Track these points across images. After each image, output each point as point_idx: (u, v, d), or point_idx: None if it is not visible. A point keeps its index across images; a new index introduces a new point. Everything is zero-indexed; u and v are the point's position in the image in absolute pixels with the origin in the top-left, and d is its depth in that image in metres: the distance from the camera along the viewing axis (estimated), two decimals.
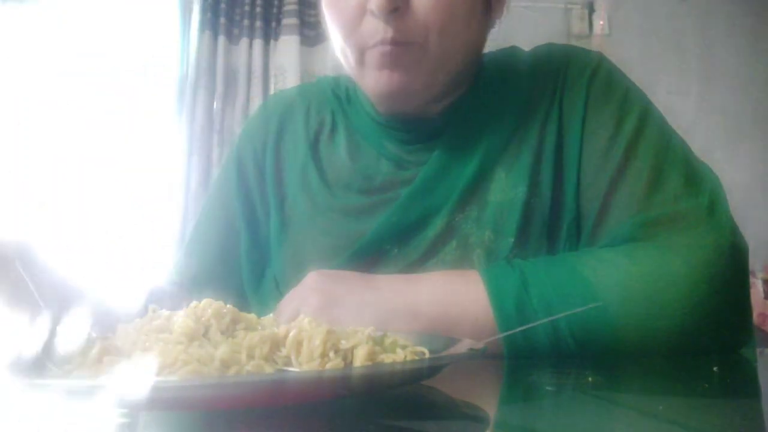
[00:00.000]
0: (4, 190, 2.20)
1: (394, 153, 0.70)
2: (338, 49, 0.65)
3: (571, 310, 0.51)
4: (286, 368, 0.37)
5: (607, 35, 2.62)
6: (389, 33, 0.59)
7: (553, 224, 0.64)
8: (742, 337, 0.58)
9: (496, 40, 0.72)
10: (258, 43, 2.43)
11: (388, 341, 0.40)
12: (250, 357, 0.36)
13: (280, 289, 0.70)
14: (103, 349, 0.37)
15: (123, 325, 0.41)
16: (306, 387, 0.32)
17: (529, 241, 0.63)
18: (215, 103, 2.39)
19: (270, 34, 2.48)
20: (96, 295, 0.57)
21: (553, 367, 0.50)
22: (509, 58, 0.72)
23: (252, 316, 0.44)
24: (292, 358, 0.37)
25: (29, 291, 0.45)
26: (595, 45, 2.59)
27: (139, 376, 0.34)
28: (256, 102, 2.39)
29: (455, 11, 0.60)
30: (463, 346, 0.41)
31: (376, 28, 0.59)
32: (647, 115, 0.64)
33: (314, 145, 0.74)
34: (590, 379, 0.46)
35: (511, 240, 0.63)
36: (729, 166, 1.06)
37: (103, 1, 2.38)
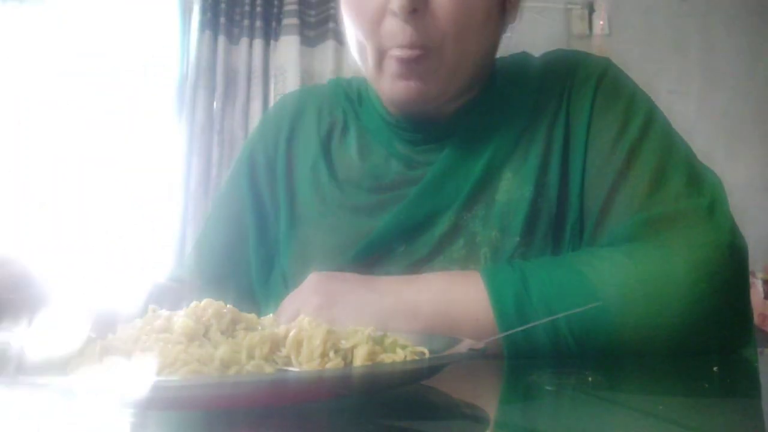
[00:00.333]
0: (4, 189, 2.20)
1: (404, 153, 0.71)
2: (356, 50, 0.66)
3: (570, 308, 0.51)
4: (286, 368, 0.37)
5: (607, 35, 2.62)
6: (408, 34, 0.60)
7: (559, 225, 0.65)
8: (743, 337, 0.58)
9: None
10: (258, 43, 2.43)
11: (388, 341, 0.40)
12: (250, 357, 0.36)
13: (287, 286, 0.70)
14: (103, 349, 0.37)
15: (123, 325, 0.41)
16: (306, 387, 0.32)
17: (534, 240, 0.64)
18: (215, 103, 2.39)
19: (270, 34, 2.48)
20: (95, 296, 0.57)
21: (553, 367, 0.50)
22: (519, 62, 0.73)
23: (252, 316, 0.44)
24: (292, 358, 0.37)
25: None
26: (595, 45, 2.59)
27: (139, 375, 0.34)
28: (256, 102, 2.39)
29: (473, 15, 0.61)
30: (463, 346, 0.41)
31: (396, 30, 0.60)
32: (652, 118, 0.64)
33: (326, 144, 0.75)
34: (590, 379, 0.46)
35: (517, 239, 0.63)
36: (729, 166, 1.06)
37: (103, 1, 2.38)
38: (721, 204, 0.58)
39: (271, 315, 0.49)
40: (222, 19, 2.42)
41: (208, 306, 0.41)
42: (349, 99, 0.77)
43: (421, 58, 0.61)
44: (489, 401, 0.41)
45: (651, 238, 0.57)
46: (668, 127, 0.65)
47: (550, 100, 0.68)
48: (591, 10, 2.65)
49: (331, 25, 2.49)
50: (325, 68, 2.46)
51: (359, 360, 0.36)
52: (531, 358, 0.53)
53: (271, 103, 2.40)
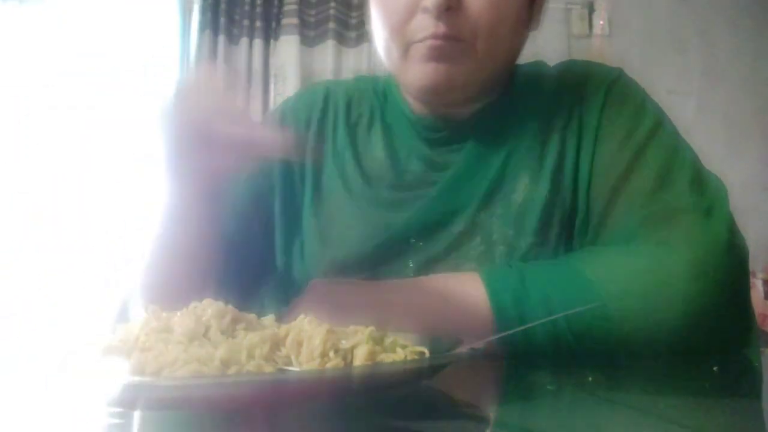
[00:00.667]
0: (3, 189, 2.20)
1: (425, 153, 0.72)
2: (381, 44, 0.67)
3: (569, 307, 0.52)
4: (286, 368, 0.37)
5: (607, 35, 2.62)
6: (440, 28, 0.61)
7: (571, 225, 0.66)
8: (744, 336, 0.58)
9: None
10: (258, 43, 2.43)
11: (388, 341, 0.40)
12: (250, 357, 0.36)
13: (304, 259, 0.72)
14: (104, 349, 0.37)
15: (122, 325, 0.41)
16: (306, 387, 0.32)
17: (548, 240, 0.65)
18: None
19: (270, 34, 2.48)
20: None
21: (553, 367, 0.50)
22: (535, 70, 0.75)
23: (252, 316, 0.44)
24: (292, 358, 0.37)
25: None
26: (595, 45, 2.59)
27: (138, 375, 0.34)
28: (256, 102, 2.39)
29: (504, 15, 0.63)
30: (463, 346, 0.41)
31: (427, 24, 0.61)
32: (660, 124, 0.66)
33: (353, 135, 0.76)
34: (590, 379, 0.46)
35: (533, 239, 0.65)
36: (729, 166, 1.06)
37: (103, 1, 2.38)
38: (722, 205, 0.59)
39: (271, 315, 0.49)
40: (222, 19, 2.42)
41: (208, 306, 0.41)
42: (376, 95, 0.78)
43: (452, 46, 0.62)
44: (489, 401, 0.41)
45: (650, 236, 0.57)
46: (676, 134, 0.67)
47: (564, 106, 0.69)
48: (591, 10, 2.65)
49: (331, 25, 2.49)
50: (325, 68, 2.46)
51: (359, 360, 0.36)
52: (531, 358, 0.53)
53: (271, 103, 2.40)
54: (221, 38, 2.41)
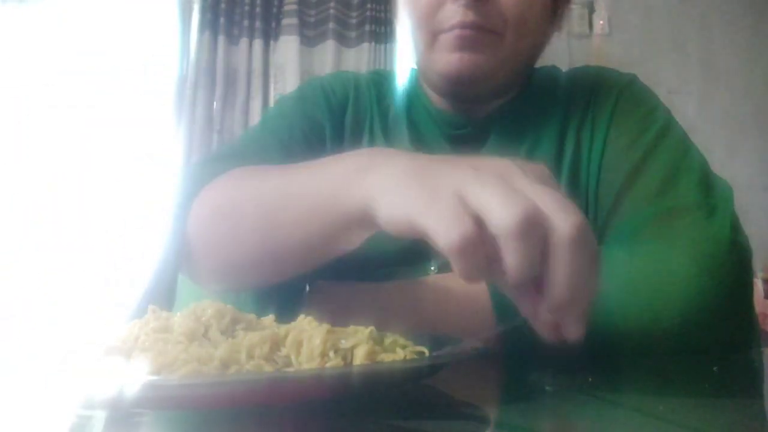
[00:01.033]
0: (3, 189, 2.20)
1: (446, 151, 0.73)
2: (407, 34, 0.68)
3: None
4: (286, 368, 0.37)
5: (607, 35, 2.62)
6: (469, 17, 0.61)
7: None
8: (746, 337, 0.58)
9: None
10: (258, 43, 2.43)
11: (388, 341, 0.40)
12: (250, 357, 0.36)
13: None
14: (103, 348, 0.37)
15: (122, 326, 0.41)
16: (306, 386, 0.32)
17: None
18: (215, 103, 2.39)
19: (270, 34, 2.48)
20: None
21: (553, 367, 0.50)
22: (551, 74, 0.76)
23: (252, 316, 0.44)
24: (292, 358, 0.37)
25: None
26: (595, 45, 2.59)
27: (138, 375, 0.34)
28: (256, 102, 2.39)
29: (532, 10, 0.64)
30: (463, 346, 0.41)
31: (456, 13, 0.62)
32: (669, 128, 0.67)
33: (384, 123, 0.77)
34: (590, 379, 0.46)
35: None
36: (729, 166, 1.06)
37: (103, 1, 2.38)
38: (726, 205, 0.59)
39: (271, 315, 0.49)
40: (222, 19, 2.42)
41: (208, 306, 0.41)
42: (402, 89, 0.79)
43: (480, 36, 0.62)
44: (489, 401, 0.41)
45: (654, 234, 0.57)
46: (685, 137, 0.67)
47: (578, 108, 0.70)
48: (591, 10, 2.65)
49: (330, 25, 2.49)
50: (324, 68, 2.46)
51: (359, 360, 0.36)
52: (531, 358, 0.53)
53: (271, 102, 2.40)
54: (221, 38, 2.41)
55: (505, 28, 0.63)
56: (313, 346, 0.36)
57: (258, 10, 2.44)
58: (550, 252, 0.35)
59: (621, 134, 0.67)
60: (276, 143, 0.71)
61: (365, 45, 2.48)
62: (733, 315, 0.56)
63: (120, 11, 2.38)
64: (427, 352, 0.40)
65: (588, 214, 0.67)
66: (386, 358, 0.37)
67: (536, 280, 0.37)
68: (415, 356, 0.39)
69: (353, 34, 2.52)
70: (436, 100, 0.73)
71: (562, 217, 0.35)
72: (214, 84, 2.40)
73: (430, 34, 0.64)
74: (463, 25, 0.62)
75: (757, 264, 2.23)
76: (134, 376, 0.34)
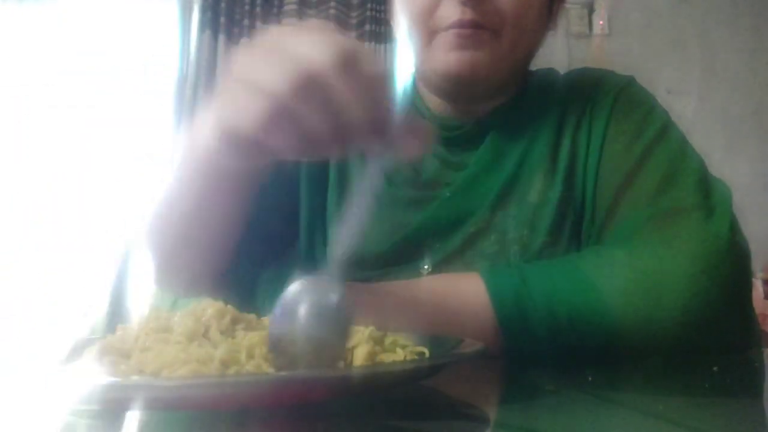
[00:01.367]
0: (3, 190, 2.20)
1: (441, 152, 0.73)
2: (404, 33, 0.68)
3: (570, 304, 0.52)
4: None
5: (607, 35, 2.62)
6: (467, 15, 0.62)
7: (581, 225, 0.68)
8: (745, 336, 0.58)
9: None
10: None
11: (387, 341, 0.40)
12: (250, 357, 0.36)
13: (326, 240, 0.73)
14: (103, 348, 0.37)
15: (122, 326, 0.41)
16: (306, 387, 0.32)
17: (561, 239, 0.67)
18: None
19: None
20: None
21: (553, 367, 0.50)
22: (548, 76, 0.76)
23: (252, 316, 0.44)
24: None
25: None
26: (595, 45, 2.59)
27: (138, 375, 0.34)
28: None
29: (530, 7, 0.65)
30: (463, 346, 0.41)
31: (453, 11, 0.62)
32: (667, 129, 0.67)
33: None
34: (590, 379, 0.46)
35: (545, 239, 0.66)
36: (729, 166, 1.06)
37: (103, 1, 2.38)
38: (725, 205, 0.59)
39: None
40: (222, 19, 2.42)
41: (208, 306, 0.41)
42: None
43: (478, 34, 0.63)
44: (489, 401, 0.41)
45: (652, 235, 0.57)
46: (683, 139, 0.67)
47: (575, 109, 0.71)
48: (591, 9, 2.65)
49: (330, 25, 2.48)
50: None
51: (359, 360, 0.36)
52: (531, 358, 0.53)
53: None
54: (221, 38, 2.41)
55: (502, 26, 0.63)
56: None
57: (258, 9, 2.44)
58: (333, 87, 0.38)
59: (619, 135, 0.67)
60: None
61: (365, 45, 2.48)
62: (732, 316, 0.56)
63: (120, 11, 2.38)
64: (427, 353, 0.40)
65: (585, 214, 0.67)
66: (386, 358, 0.37)
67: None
68: (415, 356, 0.39)
69: (353, 34, 2.52)
70: (432, 102, 0.73)
71: (322, 52, 0.38)
72: (214, 83, 2.40)
73: (428, 33, 0.64)
74: (461, 24, 0.62)
75: (757, 264, 2.23)
76: (134, 376, 0.34)
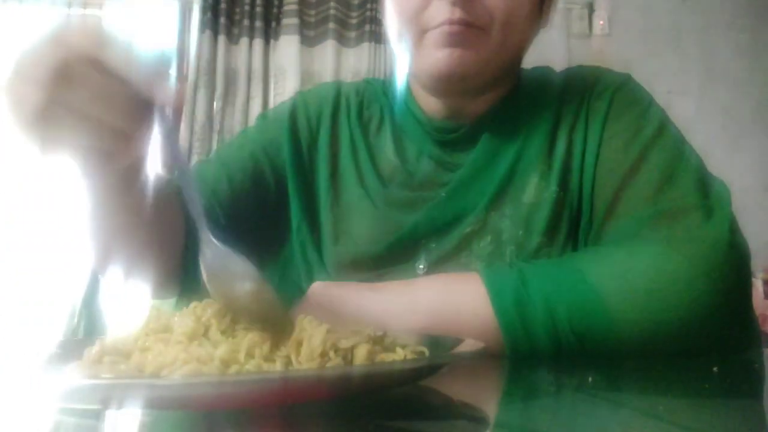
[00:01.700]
0: (3, 191, 2.20)
1: (436, 153, 0.73)
2: (394, 32, 0.68)
3: (570, 305, 0.52)
4: (286, 368, 0.37)
5: (607, 35, 2.62)
6: (456, 14, 0.62)
7: (578, 225, 0.68)
8: (746, 338, 0.58)
9: None
10: (258, 43, 2.43)
11: (387, 341, 0.40)
12: (250, 357, 0.36)
13: (321, 252, 0.73)
14: (103, 348, 0.37)
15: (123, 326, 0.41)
16: (306, 387, 0.32)
17: (557, 239, 0.67)
18: (215, 103, 2.39)
19: (270, 34, 2.48)
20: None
21: (553, 367, 0.50)
22: (543, 74, 0.76)
23: None
24: (292, 357, 0.37)
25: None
26: (595, 45, 2.59)
27: (138, 375, 0.34)
28: (256, 101, 2.39)
29: (519, 5, 0.64)
30: (463, 346, 0.41)
31: (443, 10, 0.62)
32: (664, 128, 0.66)
33: (365, 133, 0.77)
34: (590, 379, 0.46)
35: (541, 239, 0.66)
36: (729, 166, 1.06)
37: (103, 2, 2.38)
38: (724, 206, 0.59)
39: None
40: (222, 19, 2.42)
41: (208, 306, 0.41)
42: (385, 96, 0.79)
43: (467, 32, 0.63)
44: (489, 401, 0.41)
45: (652, 236, 0.57)
46: (680, 137, 0.67)
47: (571, 108, 0.70)
48: (591, 10, 2.65)
49: (331, 25, 2.49)
50: (324, 68, 2.46)
51: (359, 360, 0.36)
52: (531, 358, 0.53)
53: (271, 103, 2.40)
54: (221, 38, 2.41)
55: (492, 24, 0.63)
56: (313, 346, 0.36)
57: (258, 9, 2.44)
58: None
59: (616, 134, 0.67)
60: (224, 177, 0.73)
61: (365, 45, 2.48)
62: (732, 316, 0.56)
63: (120, 11, 2.38)
64: (426, 352, 0.40)
65: (581, 214, 0.67)
66: (386, 358, 0.37)
67: None
68: (415, 356, 0.39)
69: (353, 34, 2.52)
70: (426, 103, 0.73)
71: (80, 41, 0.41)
72: (214, 84, 2.40)
73: (418, 32, 0.64)
74: (450, 22, 0.62)
75: (757, 264, 2.23)
76: (134, 376, 0.34)
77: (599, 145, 0.67)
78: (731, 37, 2.65)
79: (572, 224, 0.67)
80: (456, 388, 0.42)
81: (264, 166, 0.75)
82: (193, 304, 0.42)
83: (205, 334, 0.39)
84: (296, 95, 0.83)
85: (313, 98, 0.80)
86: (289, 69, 2.43)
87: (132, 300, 0.63)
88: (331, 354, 0.36)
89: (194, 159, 2.29)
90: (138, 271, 0.60)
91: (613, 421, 0.34)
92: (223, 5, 2.43)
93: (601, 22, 2.62)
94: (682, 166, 0.62)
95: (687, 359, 0.53)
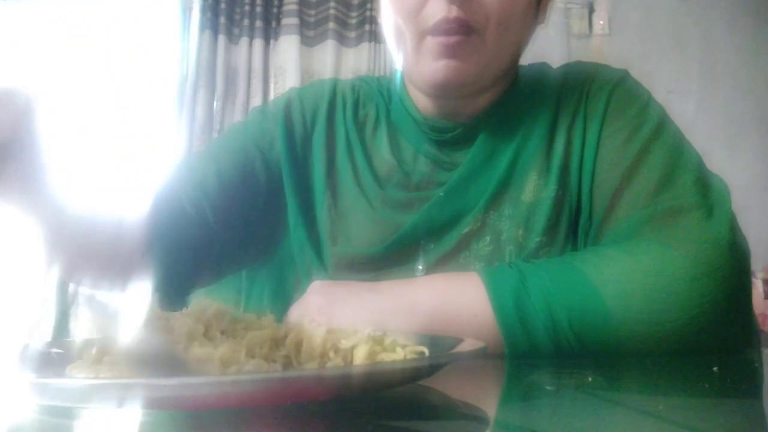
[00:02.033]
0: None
1: (433, 153, 0.73)
2: (393, 36, 0.68)
3: (570, 305, 0.52)
4: (286, 368, 0.37)
5: (607, 35, 2.62)
6: (453, 12, 0.61)
7: (577, 224, 0.67)
8: (746, 337, 0.58)
9: None
10: (258, 43, 2.44)
11: (387, 341, 0.40)
12: (250, 357, 0.36)
13: (320, 252, 0.72)
14: (103, 349, 0.37)
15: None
16: (306, 386, 0.32)
17: (556, 239, 0.66)
18: (215, 103, 2.39)
19: (270, 33, 2.48)
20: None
21: (553, 367, 0.50)
22: (540, 70, 0.75)
23: (252, 316, 0.44)
24: (292, 358, 0.37)
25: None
26: (595, 45, 2.59)
27: (138, 375, 0.34)
28: (256, 101, 2.39)
29: (516, 3, 0.64)
30: (463, 346, 0.41)
31: (440, 8, 0.62)
32: (663, 125, 0.66)
33: (361, 133, 0.76)
34: (590, 379, 0.46)
35: (541, 238, 0.66)
36: (729, 166, 1.06)
37: (104, 1, 2.38)
38: (724, 205, 0.59)
39: (270, 315, 0.49)
40: (222, 19, 2.43)
41: (208, 306, 0.41)
42: (381, 95, 0.78)
43: (463, 42, 0.62)
44: (489, 401, 0.41)
45: (652, 236, 0.57)
46: (679, 135, 0.67)
47: (569, 105, 0.70)
48: (591, 9, 2.65)
49: (331, 25, 2.49)
50: (324, 68, 2.46)
51: (359, 360, 0.36)
52: (531, 358, 0.53)
53: None
54: (221, 38, 2.41)
55: (488, 23, 0.63)
56: (313, 346, 0.36)
57: (258, 9, 2.44)
58: None
59: (615, 132, 0.66)
60: (213, 172, 0.72)
61: (365, 45, 2.48)
62: (732, 316, 0.56)
63: (120, 11, 2.38)
64: (427, 352, 0.40)
65: (581, 213, 0.67)
66: (386, 358, 0.37)
67: None
68: (415, 356, 0.39)
69: (353, 34, 2.52)
70: (422, 103, 0.72)
71: None
72: (214, 83, 2.40)
73: (416, 35, 0.64)
74: (447, 21, 0.61)
75: (757, 264, 2.23)
76: (134, 376, 0.34)
77: (598, 144, 0.67)
78: (731, 37, 2.65)
79: (572, 223, 0.67)
80: (456, 388, 0.42)
81: (255, 161, 0.74)
82: (192, 304, 0.42)
83: (205, 333, 0.39)
84: (290, 91, 0.81)
85: (308, 94, 0.79)
86: (289, 69, 2.43)
87: (120, 300, 0.62)
88: (331, 354, 0.36)
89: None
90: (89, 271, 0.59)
91: (613, 421, 0.34)
92: (223, 5, 2.43)
93: (601, 22, 2.62)
94: (681, 163, 0.62)
95: (687, 358, 0.53)
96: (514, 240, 0.67)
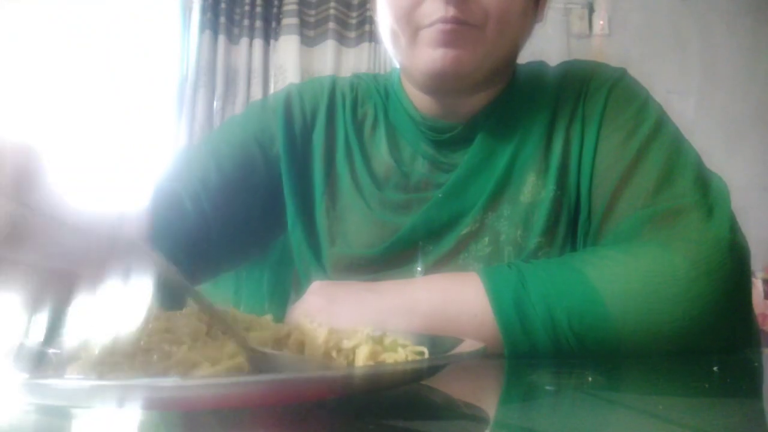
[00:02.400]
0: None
1: (431, 154, 0.72)
2: (387, 32, 0.67)
3: (570, 306, 0.52)
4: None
5: (607, 35, 2.62)
6: (450, 12, 0.61)
7: (576, 224, 0.67)
8: (745, 337, 0.58)
9: None
10: (258, 43, 2.44)
11: (388, 341, 0.40)
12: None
13: (320, 253, 0.72)
14: (105, 349, 0.37)
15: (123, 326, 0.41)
16: (307, 387, 0.32)
17: (555, 239, 0.66)
18: (215, 103, 2.39)
19: (270, 33, 2.48)
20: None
21: (553, 367, 0.50)
22: (538, 69, 0.75)
23: (252, 316, 0.44)
24: None
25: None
26: (595, 45, 2.59)
27: (139, 375, 0.34)
28: None
29: (514, 2, 0.63)
30: (463, 346, 0.41)
31: (437, 8, 0.61)
32: (662, 124, 0.66)
33: (359, 133, 0.76)
34: (590, 379, 0.46)
35: (540, 239, 0.66)
36: (729, 166, 1.06)
37: (104, 1, 2.38)
38: (723, 204, 0.59)
39: (269, 315, 0.49)
40: (222, 19, 2.43)
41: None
42: (378, 94, 0.78)
43: (462, 31, 0.62)
44: (489, 401, 0.41)
45: (652, 236, 0.57)
46: (678, 133, 0.67)
47: (567, 105, 0.70)
48: (591, 9, 2.65)
49: (331, 25, 2.49)
50: (324, 68, 2.46)
51: (361, 360, 0.36)
52: (531, 358, 0.53)
53: None
54: (221, 38, 2.41)
55: (486, 21, 0.62)
56: (315, 346, 0.36)
57: (258, 9, 2.45)
58: None
59: (614, 131, 0.66)
60: (213, 167, 0.72)
61: (365, 45, 2.48)
62: (732, 316, 0.56)
63: (120, 11, 2.38)
64: (427, 353, 0.40)
65: (580, 214, 0.67)
66: (388, 358, 0.37)
67: None
68: (416, 356, 0.39)
69: (353, 34, 2.52)
70: (420, 102, 0.72)
71: None
72: (215, 83, 2.40)
73: (411, 31, 0.63)
74: (444, 20, 0.61)
75: (757, 264, 2.23)
76: (137, 377, 0.34)
77: (596, 143, 0.66)
78: (731, 37, 2.65)
79: (571, 223, 0.67)
80: (456, 388, 0.42)
81: (256, 157, 0.73)
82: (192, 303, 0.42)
83: (208, 333, 0.39)
84: (289, 87, 0.80)
85: (308, 91, 0.78)
86: (289, 69, 2.43)
87: (120, 301, 0.62)
88: (334, 354, 0.36)
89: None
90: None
91: (613, 421, 0.34)
92: (223, 5, 2.43)
93: (601, 22, 2.62)
94: (680, 162, 0.62)
95: (687, 358, 0.53)
96: (512, 241, 0.67)
